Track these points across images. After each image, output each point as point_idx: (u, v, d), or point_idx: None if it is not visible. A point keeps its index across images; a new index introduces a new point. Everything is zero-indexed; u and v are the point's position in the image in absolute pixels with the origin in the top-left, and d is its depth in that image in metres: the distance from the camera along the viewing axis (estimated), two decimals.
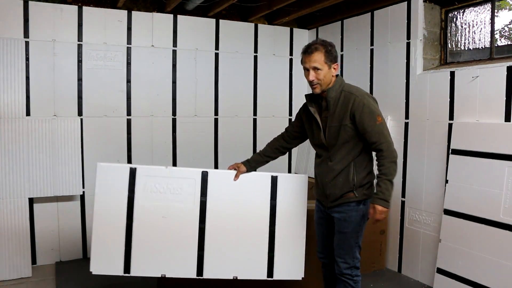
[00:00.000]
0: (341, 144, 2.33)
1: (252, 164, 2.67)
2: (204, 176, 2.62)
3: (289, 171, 4.78)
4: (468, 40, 3.45)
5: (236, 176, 2.63)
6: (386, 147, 2.24)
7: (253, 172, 2.68)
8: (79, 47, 3.84)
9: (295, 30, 4.83)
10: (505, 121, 2.92)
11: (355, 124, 2.28)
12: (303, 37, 4.87)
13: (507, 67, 2.90)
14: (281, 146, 2.69)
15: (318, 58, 2.28)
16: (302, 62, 2.36)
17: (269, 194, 2.65)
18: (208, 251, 2.60)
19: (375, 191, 2.30)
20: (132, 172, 2.55)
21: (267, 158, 2.69)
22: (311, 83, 2.34)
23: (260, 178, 2.68)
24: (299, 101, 4.83)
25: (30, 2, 3.63)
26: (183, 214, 2.59)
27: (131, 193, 2.55)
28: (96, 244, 2.61)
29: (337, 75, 2.39)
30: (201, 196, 2.60)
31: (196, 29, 4.32)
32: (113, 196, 2.55)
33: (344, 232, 2.40)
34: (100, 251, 2.63)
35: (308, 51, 2.32)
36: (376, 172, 2.37)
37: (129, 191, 2.55)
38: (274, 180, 2.67)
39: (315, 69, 2.30)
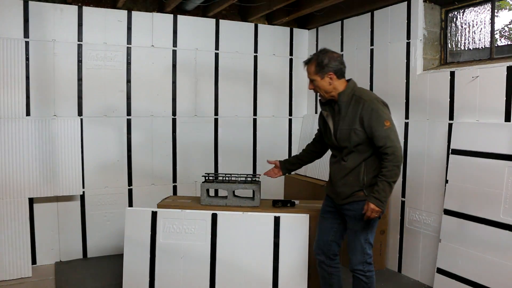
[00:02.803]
0: (352, 146, 2.44)
1: (287, 165, 2.92)
2: (214, 217, 2.95)
3: None
4: (468, 40, 3.45)
5: (274, 172, 2.95)
6: (391, 151, 2.35)
7: (257, 213, 2.98)
8: (79, 47, 3.84)
9: (295, 30, 4.83)
10: (505, 121, 2.92)
11: (364, 128, 2.39)
12: (303, 37, 4.87)
13: (507, 67, 2.90)
14: (312, 150, 2.87)
15: (311, 70, 2.49)
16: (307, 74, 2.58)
17: (273, 233, 2.92)
18: (218, 282, 2.93)
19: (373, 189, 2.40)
20: (154, 215, 2.99)
21: (302, 162, 2.91)
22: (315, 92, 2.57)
23: (264, 218, 2.95)
24: (299, 101, 4.84)
25: (30, 2, 3.63)
26: (196, 250, 2.96)
27: (153, 232, 2.98)
28: (127, 274, 3.03)
29: (349, 80, 2.53)
30: (211, 234, 2.95)
31: (196, 29, 4.32)
32: (139, 235, 3.00)
33: (354, 229, 2.50)
34: (130, 279, 3.04)
35: (304, 63, 2.55)
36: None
37: (151, 230, 2.98)
38: (277, 219, 2.92)
39: (311, 80, 2.51)
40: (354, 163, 2.45)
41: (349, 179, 2.47)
